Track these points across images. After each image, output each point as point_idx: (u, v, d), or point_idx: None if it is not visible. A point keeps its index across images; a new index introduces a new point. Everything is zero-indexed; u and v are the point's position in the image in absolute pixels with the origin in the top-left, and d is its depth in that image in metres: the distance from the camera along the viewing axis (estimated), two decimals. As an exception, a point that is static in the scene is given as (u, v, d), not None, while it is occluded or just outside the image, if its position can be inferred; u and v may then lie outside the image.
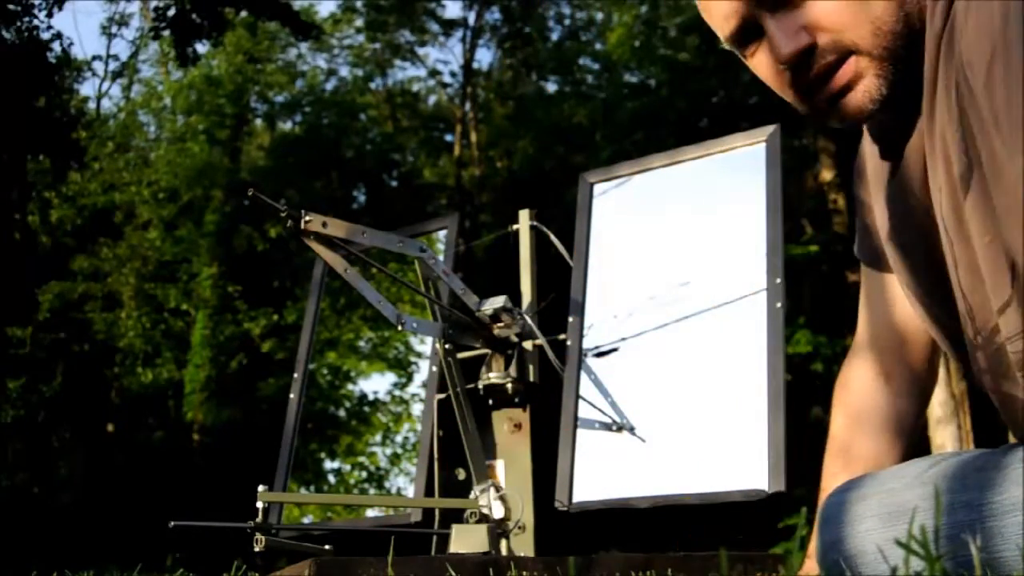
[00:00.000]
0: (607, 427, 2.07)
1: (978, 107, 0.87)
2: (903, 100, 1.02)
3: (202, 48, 10.17)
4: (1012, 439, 1.09)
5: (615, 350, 2.14)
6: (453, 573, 1.38)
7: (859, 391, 1.29)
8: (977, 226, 0.91)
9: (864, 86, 0.96)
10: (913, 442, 1.27)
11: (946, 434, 8.29)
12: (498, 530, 1.89)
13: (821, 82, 0.97)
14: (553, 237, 2.28)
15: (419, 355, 2.96)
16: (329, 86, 16.91)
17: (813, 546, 1.17)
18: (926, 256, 1.03)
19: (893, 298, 1.23)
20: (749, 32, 1.01)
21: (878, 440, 1.26)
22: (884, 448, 1.25)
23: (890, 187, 1.09)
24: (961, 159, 0.91)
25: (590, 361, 2.15)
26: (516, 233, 2.35)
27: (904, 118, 1.03)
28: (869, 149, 1.17)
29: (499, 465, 2.16)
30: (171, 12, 8.67)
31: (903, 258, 1.09)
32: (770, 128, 2.07)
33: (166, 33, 8.88)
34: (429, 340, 2.38)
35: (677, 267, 2.12)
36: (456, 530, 1.83)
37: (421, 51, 17.72)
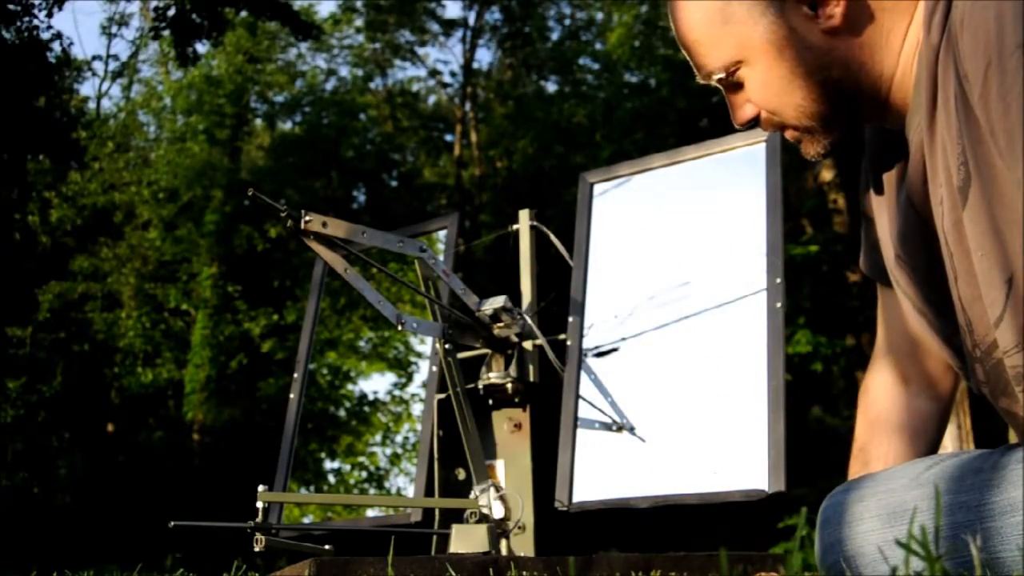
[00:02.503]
0: (607, 427, 2.07)
1: (975, 120, 0.88)
2: (888, 122, 1.04)
3: (202, 48, 10.17)
4: (1012, 438, 1.09)
5: (615, 350, 2.13)
6: (453, 573, 1.38)
7: (877, 396, 1.29)
8: (974, 239, 0.92)
9: (805, 147, 1.10)
10: (933, 441, 1.27)
11: (946, 434, 8.29)
12: (498, 530, 1.89)
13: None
14: (553, 237, 2.27)
15: (419, 355, 2.96)
16: (329, 86, 16.92)
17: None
18: (929, 268, 1.03)
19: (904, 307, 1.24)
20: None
21: (893, 441, 1.26)
22: (900, 449, 1.25)
23: (892, 200, 1.10)
24: (960, 171, 0.91)
25: (590, 361, 2.15)
26: (516, 233, 2.35)
27: (901, 132, 1.04)
28: (871, 164, 1.17)
29: (499, 465, 2.16)
30: (171, 12, 8.67)
31: (905, 269, 1.09)
32: (770, 128, 2.07)
33: (166, 33, 8.88)
34: (429, 340, 2.38)
35: (677, 267, 2.12)
36: (456, 530, 1.83)
37: (421, 51, 17.73)
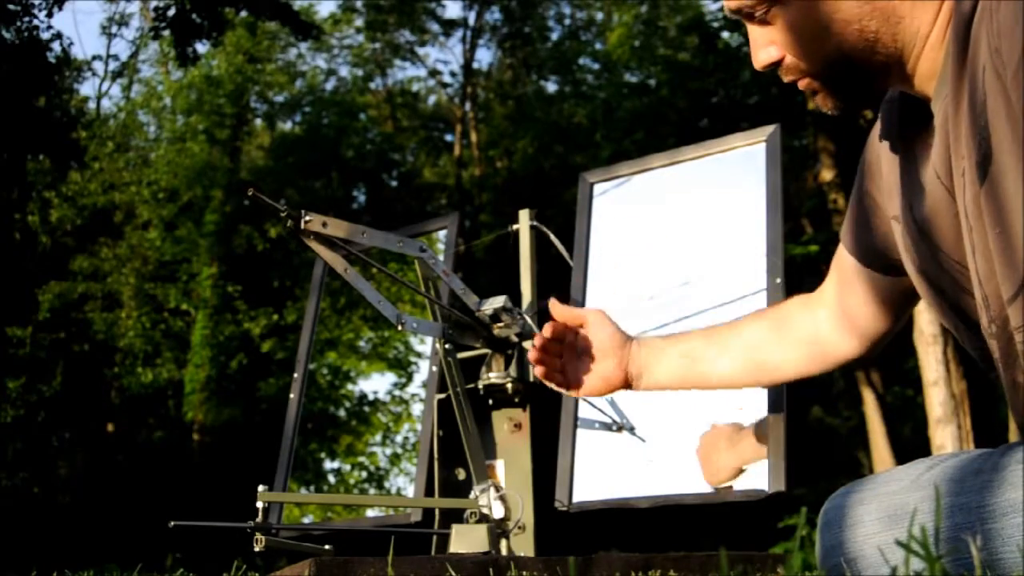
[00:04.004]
0: (607, 427, 2.07)
1: (1007, 95, 0.87)
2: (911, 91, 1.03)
3: (202, 48, 10.17)
4: (1012, 438, 1.09)
5: (615, 350, 2.13)
6: (453, 573, 1.38)
7: (793, 304, 1.43)
8: (991, 215, 0.91)
9: (821, 98, 1.07)
10: (815, 353, 1.39)
11: (946, 434, 8.28)
12: (498, 530, 1.89)
13: (795, 83, 1.09)
14: (553, 237, 2.27)
15: (419, 355, 2.96)
16: (329, 86, 16.93)
17: None
18: (955, 242, 1.02)
19: (860, 292, 1.30)
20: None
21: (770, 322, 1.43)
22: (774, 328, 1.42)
23: (911, 173, 1.08)
24: (981, 146, 0.91)
25: (590, 361, 2.15)
26: (516, 233, 2.35)
27: (922, 104, 1.04)
28: (882, 137, 1.16)
29: (499, 465, 2.16)
30: (171, 12, 8.67)
31: (921, 243, 1.08)
32: (770, 128, 2.07)
33: (166, 33, 8.89)
34: (429, 340, 2.38)
35: (677, 267, 2.12)
36: (456, 530, 1.83)
37: (421, 51, 17.77)
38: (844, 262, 1.32)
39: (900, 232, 1.14)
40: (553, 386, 1.49)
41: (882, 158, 1.17)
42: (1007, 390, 1.01)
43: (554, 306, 1.49)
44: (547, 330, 1.46)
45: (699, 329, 1.48)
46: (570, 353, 1.48)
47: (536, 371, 1.47)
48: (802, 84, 1.07)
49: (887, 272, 1.25)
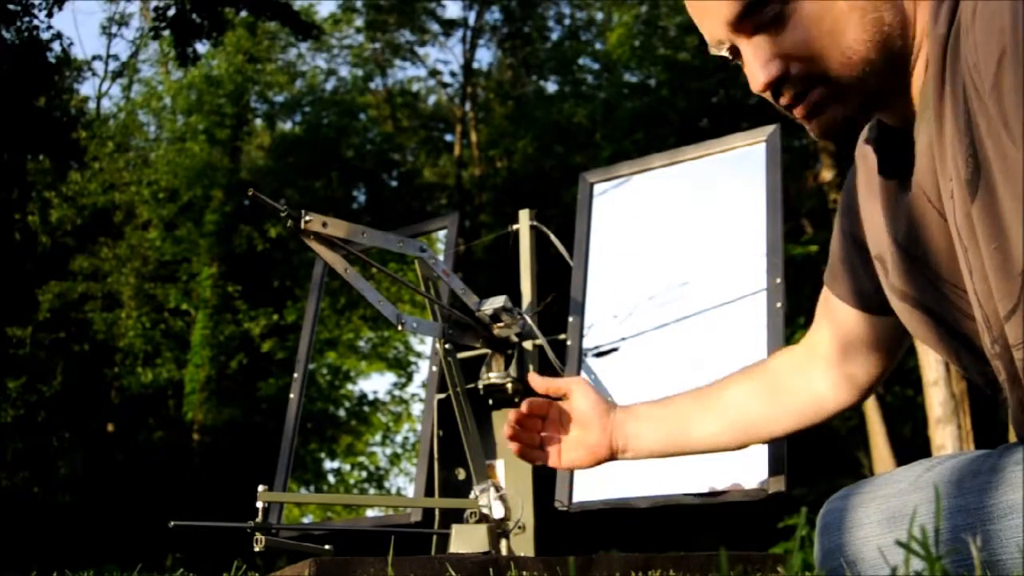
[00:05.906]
0: (607, 427, 2.07)
1: (986, 110, 0.85)
2: (902, 111, 1.01)
3: (202, 48, 10.18)
4: (1012, 438, 1.09)
5: (615, 350, 2.13)
6: (453, 573, 1.38)
7: (779, 359, 1.43)
8: (985, 232, 0.89)
9: (831, 112, 0.99)
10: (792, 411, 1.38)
11: (946, 434, 8.28)
12: (498, 530, 1.89)
13: (794, 104, 1.00)
14: (553, 237, 2.27)
15: (419, 355, 2.96)
16: (329, 86, 16.94)
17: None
18: (950, 267, 1.00)
19: (860, 343, 1.28)
20: (731, 50, 1.04)
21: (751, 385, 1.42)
22: (755, 394, 1.41)
23: (898, 204, 1.06)
24: (968, 163, 0.89)
25: (590, 361, 2.15)
26: (516, 233, 2.35)
27: (907, 129, 1.02)
28: (864, 168, 1.15)
29: (499, 465, 2.16)
30: (171, 12, 8.68)
31: (916, 273, 1.05)
32: (770, 128, 2.07)
33: (166, 33, 8.90)
34: (429, 340, 2.38)
35: (677, 267, 2.12)
36: (456, 530, 1.83)
37: (421, 51, 17.79)
38: (839, 314, 1.28)
39: (882, 270, 1.12)
40: (535, 462, 1.48)
41: (862, 198, 1.15)
42: (1012, 409, 1.00)
43: (534, 378, 1.49)
44: (525, 406, 1.44)
45: (687, 393, 1.45)
46: (553, 425, 1.47)
47: (511, 447, 1.44)
48: (812, 95, 0.98)
49: (883, 312, 1.22)
